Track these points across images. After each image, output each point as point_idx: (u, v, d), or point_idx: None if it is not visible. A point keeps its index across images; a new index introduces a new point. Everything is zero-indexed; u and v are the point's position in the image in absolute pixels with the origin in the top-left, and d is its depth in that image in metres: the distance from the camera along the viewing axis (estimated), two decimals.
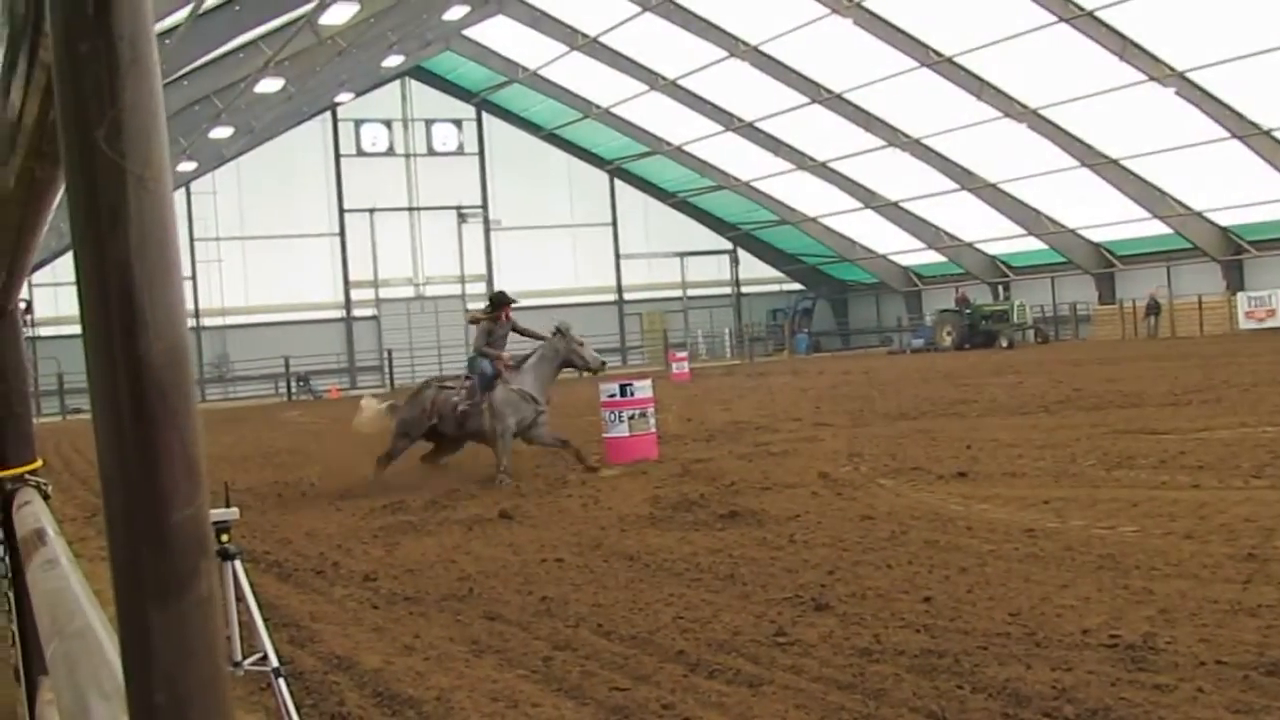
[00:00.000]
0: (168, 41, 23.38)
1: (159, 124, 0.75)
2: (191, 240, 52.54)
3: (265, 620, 6.35)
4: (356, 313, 55.82)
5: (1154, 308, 47.59)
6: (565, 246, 59.40)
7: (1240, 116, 38.78)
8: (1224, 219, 44.95)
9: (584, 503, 12.49)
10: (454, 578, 9.20)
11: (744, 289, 62.59)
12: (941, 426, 17.63)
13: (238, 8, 24.34)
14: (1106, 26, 37.48)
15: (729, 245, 63.01)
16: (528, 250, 58.12)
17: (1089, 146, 43.57)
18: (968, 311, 50.70)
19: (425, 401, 15.35)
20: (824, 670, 6.15)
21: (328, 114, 54.70)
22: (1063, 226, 49.47)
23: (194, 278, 52.52)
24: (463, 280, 57.99)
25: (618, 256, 60.89)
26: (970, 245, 54.24)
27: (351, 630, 7.83)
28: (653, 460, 15.56)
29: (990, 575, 7.97)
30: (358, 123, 56.07)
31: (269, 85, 33.25)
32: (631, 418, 16.03)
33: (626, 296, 60.95)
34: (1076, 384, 23.93)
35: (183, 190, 51.63)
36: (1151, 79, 38.31)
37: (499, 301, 16.18)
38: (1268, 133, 38.82)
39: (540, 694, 6.18)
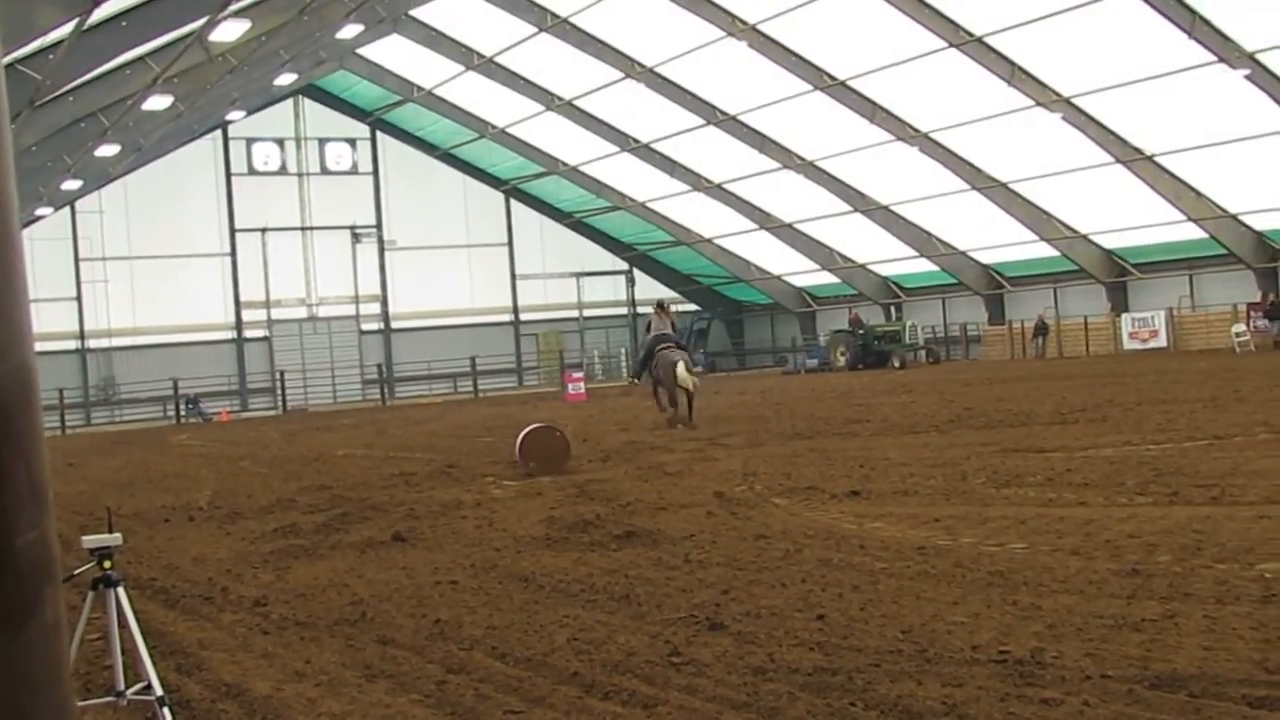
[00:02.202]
0: (51, 56, 22.87)
1: (1, 137, 0.72)
2: (76, 260, 51.48)
3: (150, 648, 6.21)
4: (248, 334, 55.00)
5: (1042, 328, 48.52)
6: (461, 267, 59.18)
7: (1124, 142, 39.75)
8: (1108, 242, 46.04)
9: (478, 524, 12.41)
10: (346, 602, 9.08)
11: (640, 309, 62.81)
12: (835, 446, 17.80)
13: (125, 23, 23.86)
14: (995, 53, 38.23)
15: (625, 266, 63.24)
16: (423, 270, 57.86)
17: (978, 170, 44.39)
18: (861, 332, 51.31)
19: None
20: (718, 690, 6.16)
21: (218, 132, 53.92)
22: (953, 248, 50.34)
23: (79, 298, 51.48)
24: (356, 301, 57.46)
25: (513, 277, 60.81)
26: (863, 266, 54.99)
27: (240, 657, 7.68)
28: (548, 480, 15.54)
29: (882, 593, 8.04)
30: (249, 141, 55.32)
31: (157, 102, 32.64)
32: None
33: (523, 317, 60.87)
34: (967, 403, 24.30)
35: (67, 209, 50.59)
36: (1039, 104, 39.14)
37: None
38: (1150, 158, 39.83)
39: (434, 719, 6.11)
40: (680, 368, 23.39)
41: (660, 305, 26.13)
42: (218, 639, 8.23)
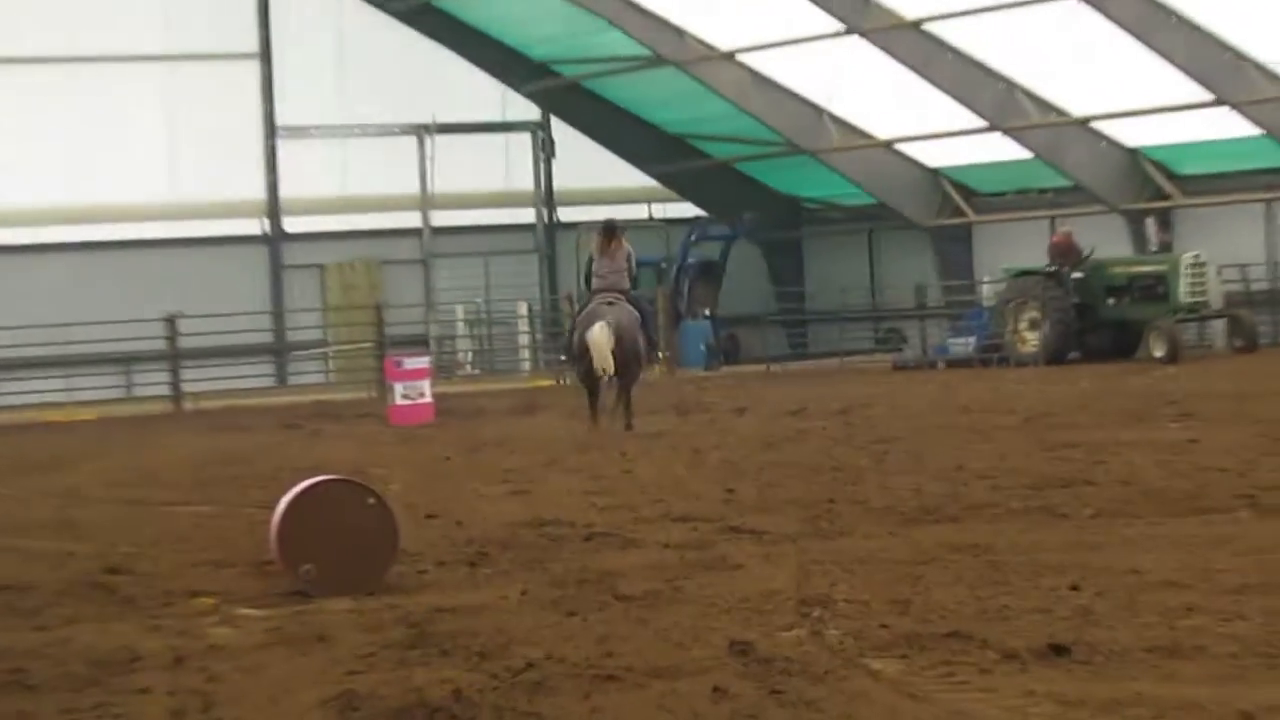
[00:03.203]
0: None
1: None
2: None
3: None
4: None
5: None
6: (151, 110, 59.06)
7: None
8: None
9: (177, 710, 12.31)
10: None
11: (563, 211, 62.98)
12: (1013, 538, 17.87)
13: None
14: None
15: (533, 111, 63.28)
16: (55, 116, 57.79)
17: None
18: (1077, 276, 51.28)
19: None
20: None
21: None
22: None
23: None
24: None
25: (272, 130, 60.69)
26: (1084, 123, 55.08)
27: None
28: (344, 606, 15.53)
29: None
30: None
31: None
32: None
33: (291, 225, 60.82)
34: None
35: None
36: None
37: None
38: None
39: None
40: (596, 328, 30.65)
41: (609, 229, 32.71)
42: None
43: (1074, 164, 55.78)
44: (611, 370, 30.23)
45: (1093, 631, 13.09)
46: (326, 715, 11.90)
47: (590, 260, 32.23)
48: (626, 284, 32.20)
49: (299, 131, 60.77)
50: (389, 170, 61.67)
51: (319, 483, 17.51)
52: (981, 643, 12.95)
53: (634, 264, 33.53)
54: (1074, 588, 14.79)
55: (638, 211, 62.53)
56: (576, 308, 33.48)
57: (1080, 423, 30.72)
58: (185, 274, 56.95)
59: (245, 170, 60.37)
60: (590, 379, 31.15)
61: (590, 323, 30.65)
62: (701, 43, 58.46)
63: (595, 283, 31.70)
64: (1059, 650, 12.56)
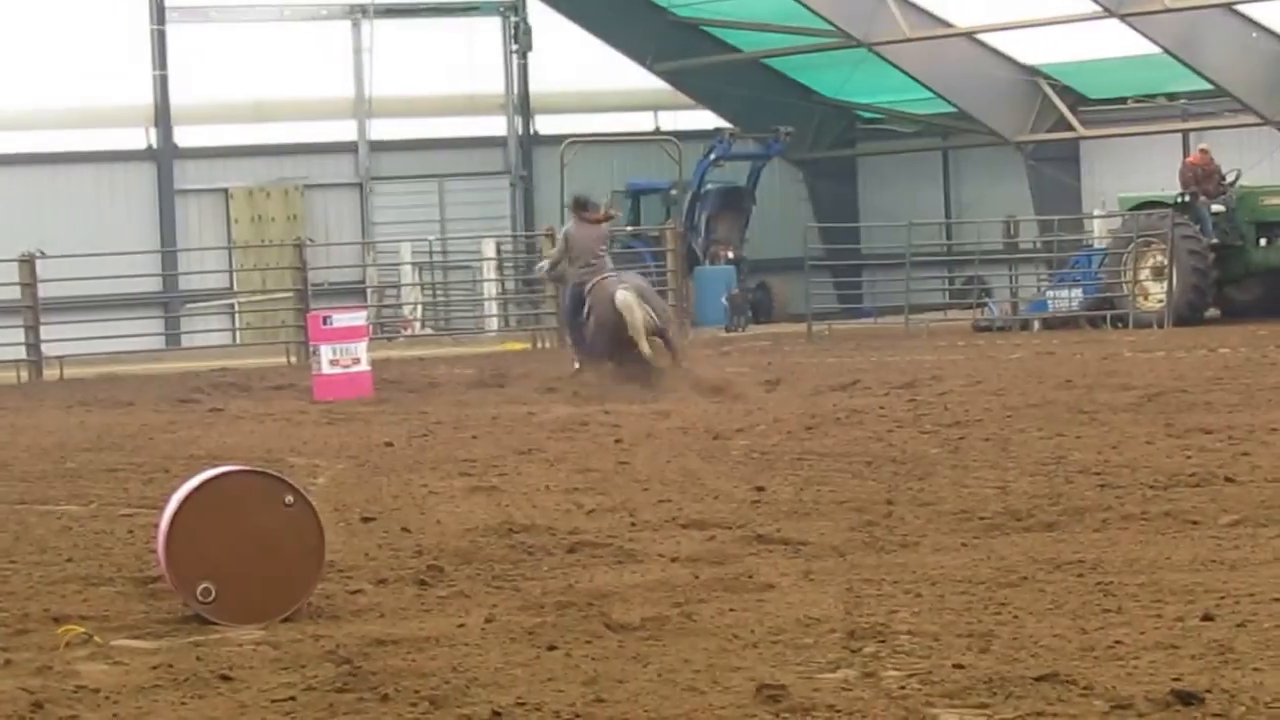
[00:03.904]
0: None
1: None
2: None
3: None
4: None
5: None
6: None
7: None
8: None
9: None
10: None
11: (542, 121, 63.20)
12: (1128, 552, 17.95)
13: None
14: None
15: None
16: None
17: None
18: (1218, 209, 51.27)
19: None
20: None
21: None
22: None
23: None
24: None
25: (160, 12, 60.71)
26: (1228, 7, 55.14)
27: None
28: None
29: None
30: None
31: None
32: None
33: (184, 137, 60.96)
34: None
35: None
36: None
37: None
38: None
39: None
40: (620, 292, 33.83)
41: (578, 205, 35.49)
42: None
43: (1214, 61, 55.86)
44: (652, 329, 33.42)
45: (1231, 675, 13.13)
46: None
47: (565, 235, 35.05)
48: (610, 265, 35.43)
49: (195, 13, 60.84)
50: (314, 66, 61.70)
51: (221, 475, 17.47)
52: (1085, 689, 13.00)
53: (607, 238, 37.71)
54: (1207, 618, 14.83)
55: (640, 122, 62.65)
56: (567, 297, 36.18)
57: (1218, 402, 30.74)
58: (47, 202, 56.96)
59: (126, 65, 60.35)
60: (618, 349, 34.02)
61: (610, 291, 33.21)
62: None
63: (578, 272, 34.59)
64: (1187, 699, 12.59)
